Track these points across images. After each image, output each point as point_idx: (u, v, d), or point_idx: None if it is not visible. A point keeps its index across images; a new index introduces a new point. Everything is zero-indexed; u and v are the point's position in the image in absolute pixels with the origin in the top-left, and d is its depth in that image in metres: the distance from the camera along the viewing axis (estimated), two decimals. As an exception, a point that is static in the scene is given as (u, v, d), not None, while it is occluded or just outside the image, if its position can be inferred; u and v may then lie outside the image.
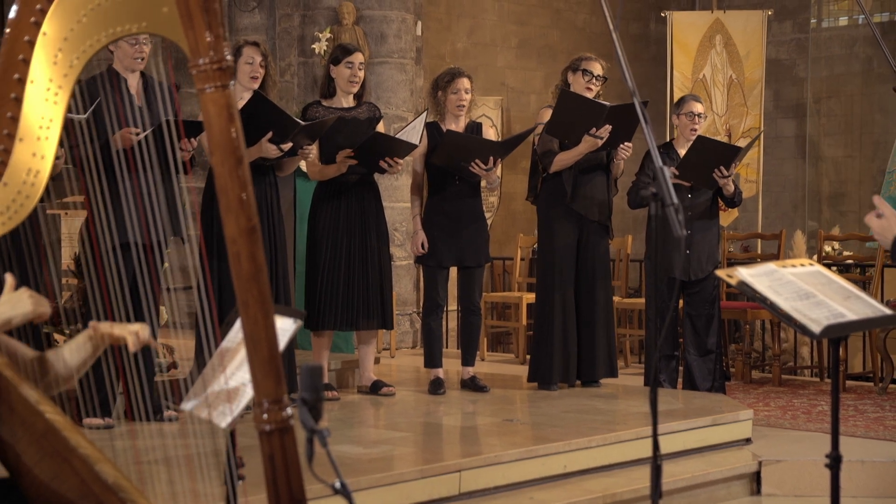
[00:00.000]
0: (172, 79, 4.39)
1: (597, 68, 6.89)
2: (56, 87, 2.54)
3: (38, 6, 2.50)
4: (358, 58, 6.50)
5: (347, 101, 6.56)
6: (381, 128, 6.58)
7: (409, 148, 6.41)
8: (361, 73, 6.52)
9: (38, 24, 2.51)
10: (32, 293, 2.65)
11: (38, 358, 2.80)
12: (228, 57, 2.36)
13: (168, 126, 4.92)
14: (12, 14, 2.52)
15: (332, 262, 6.44)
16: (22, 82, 2.52)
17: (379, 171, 6.46)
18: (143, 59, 5.51)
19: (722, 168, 6.92)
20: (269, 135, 5.89)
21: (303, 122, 6.03)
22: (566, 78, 6.96)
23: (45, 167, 2.57)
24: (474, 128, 6.84)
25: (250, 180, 2.37)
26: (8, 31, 2.53)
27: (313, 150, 6.28)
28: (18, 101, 2.53)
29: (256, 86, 6.07)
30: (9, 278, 2.65)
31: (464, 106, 6.71)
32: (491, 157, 6.54)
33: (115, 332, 2.80)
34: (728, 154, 7.02)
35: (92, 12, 2.50)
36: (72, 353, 2.81)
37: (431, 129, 6.70)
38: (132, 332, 2.80)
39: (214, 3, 2.34)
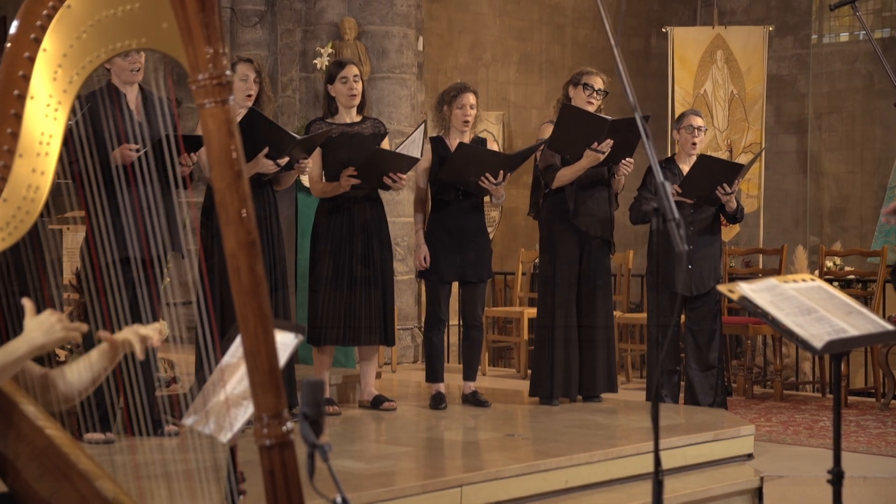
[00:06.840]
0: (173, 94, 4.38)
1: (598, 82, 6.90)
2: (56, 102, 2.54)
3: (39, 22, 2.50)
4: (351, 70, 6.46)
5: (350, 117, 6.52)
6: (385, 144, 6.56)
7: (411, 162, 6.39)
8: (359, 86, 6.47)
9: (38, 41, 2.51)
10: (60, 316, 2.63)
11: (42, 375, 2.79)
12: (228, 72, 2.35)
13: (168, 141, 4.91)
14: (12, 30, 2.52)
15: (334, 276, 6.42)
16: (22, 98, 2.52)
17: (383, 187, 6.45)
18: (139, 70, 5.46)
19: (725, 185, 6.92)
20: (265, 150, 5.87)
21: (298, 137, 6.01)
22: (567, 92, 6.97)
23: (45, 183, 2.56)
24: (479, 144, 6.83)
25: (250, 195, 2.37)
26: (8, 46, 2.53)
27: (310, 163, 6.24)
28: (18, 117, 2.53)
29: (251, 103, 6.02)
30: (27, 303, 2.63)
31: (469, 121, 6.69)
32: (501, 171, 6.53)
33: (121, 337, 2.78)
34: (731, 171, 7.02)
35: (91, 28, 2.50)
36: (80, 372, 2.79)
37: (436, 144, 6.69)
38: (141, 336, 2.77)
39: (214, 19, 2.34)
